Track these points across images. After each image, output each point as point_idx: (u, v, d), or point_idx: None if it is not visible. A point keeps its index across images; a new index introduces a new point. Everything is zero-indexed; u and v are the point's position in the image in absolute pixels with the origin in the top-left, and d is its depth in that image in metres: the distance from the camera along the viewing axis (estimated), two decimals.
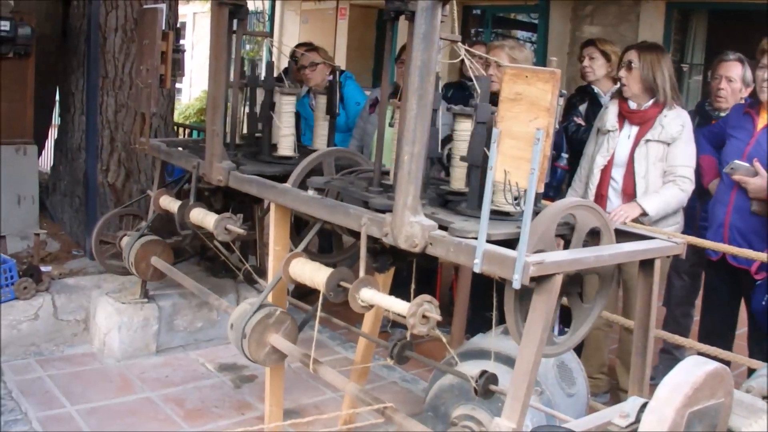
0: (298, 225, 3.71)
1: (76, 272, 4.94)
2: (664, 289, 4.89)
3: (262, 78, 4.03)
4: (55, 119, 6.65)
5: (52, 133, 6.70)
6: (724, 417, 2.05)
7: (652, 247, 2.61)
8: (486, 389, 2.56)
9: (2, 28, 4.85)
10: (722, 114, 4.50)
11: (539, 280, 2.19)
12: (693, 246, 3.68)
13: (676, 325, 4.69)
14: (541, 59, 8.56)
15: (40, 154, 5.92)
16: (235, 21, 3.89)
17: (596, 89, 4.91)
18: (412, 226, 2.44)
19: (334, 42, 11.20)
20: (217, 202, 4.12)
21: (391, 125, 3.24)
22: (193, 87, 16.16)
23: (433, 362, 3.05)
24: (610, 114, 4.25)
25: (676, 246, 2.65)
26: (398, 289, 3.07)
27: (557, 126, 2.25)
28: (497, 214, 2.53)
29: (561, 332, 4.13)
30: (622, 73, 4.17)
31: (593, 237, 2.51)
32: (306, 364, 2.98)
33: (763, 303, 3.77)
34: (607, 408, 2.55)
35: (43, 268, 4.64)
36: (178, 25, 6.61)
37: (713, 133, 4.36)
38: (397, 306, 2.52)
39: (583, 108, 4.86)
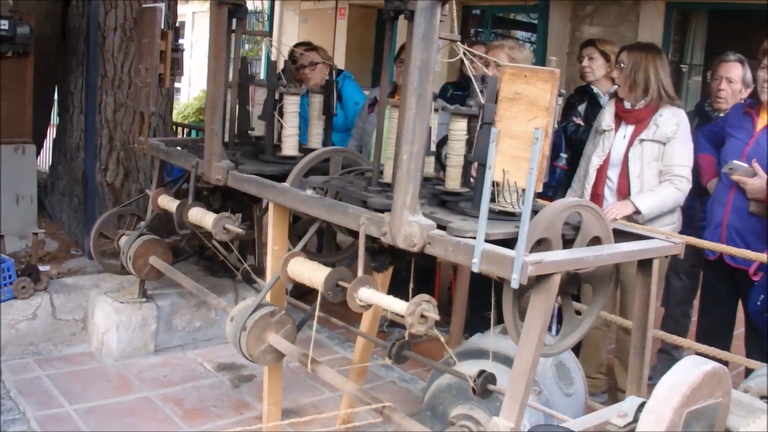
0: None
1: (74, 272, 4.93)
2: (662, 290, 4.90)
3: (261, 77, 4.02)
4: (54, 118, 6.64)
5: (51, 133, 6.69)
6: (722, 417, 2.05)
7: (650, 247, 2.61)
8: (484, 389, 2.56)
9: (1, 27, 4.84)
10: (722, 115, 4.51)
11: (538, 279, 2.19)
12: (692, 246, 3.68)
13: (674, 325, 4.69)
14: (541, 59, 8.56)
15: (38, 153, 5.92)
16: (234, 20, 3.90)
17: (595, 89, 4.91)
18: (410, 225, 2.44)
19: (333, 42, 11.17)
20: (215, 202, 4.11)
21: None
22: (192, 86, 16.16)
23: (431, 362, 3.05)
24: (606, 114, 4.28)
25: (674, 246, 2.65)
26: (397, 289, 3.07)
27: (556, 126, 2.24)
28: (503, 215, 2.53)
29: (559, 332, 4.13)
30: (615, 73, 4.20)
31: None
32: (304, 364, 2.97)
33: (758, 303, 3.77)
34: (605, 408, 2.55)
35: (41, 268, 4.63)
36: (177, 25, 6.62)
37: (713, 132, 4.36)
38: (396, 305, 2.52)
39: (582, 108, 4.86)
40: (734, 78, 4.52)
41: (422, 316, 2.44)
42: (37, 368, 4.26)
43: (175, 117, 10.43)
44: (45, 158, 7.29)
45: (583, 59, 5.00)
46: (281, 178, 3.38)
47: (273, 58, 4.11)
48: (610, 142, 4.19)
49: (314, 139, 3.96)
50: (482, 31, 10.66)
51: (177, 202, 3.95)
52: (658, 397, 1.89)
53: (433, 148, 3.02)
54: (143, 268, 4.34)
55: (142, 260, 4.31)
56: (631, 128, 4.13)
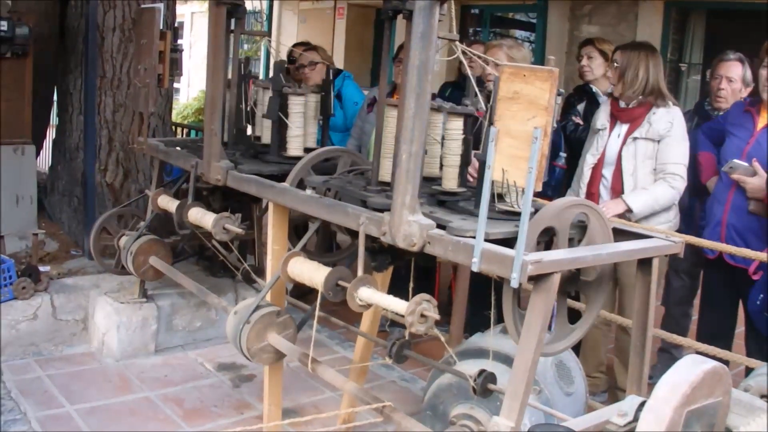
0: (297, 228, 3.72)
1: (74, 272, 4.94)
2: (662, 289, 4.90)
3: (264, 77, 4.02)
4: (53, 119, 6.65)
5: (51, 133, 6.70)
6: (722, 416, 2.05)
7: (650, 246, 2.61)
8: (484, 388, 2.56)
9: (0, 28, 4.85)
10: (721, 114, 4.50)
11: (537, 279, 2.20)
12: (692, 246, 3.67)
13: (674, 324, 4.68)
14: (540, 59, 8.56)
15: (38, 153, 5.91)
16: (233, 20, 3.90)
17: (594, 88, 4.91)
18: (410, 225, 2.44)
19: (332, 41, 11.21)
20: (215, 202, 4.11)
21: None
22: (191, 87, 16.16)
23: (431, 361, 3.05)
24: (602, 113, 4.30)
25: (674, 245, 2.65)
26: (397, 288, 3.07)
27: (555, 125, 2.24)
28: (508, 214, 2.53)
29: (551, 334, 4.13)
30: (610, 72, 4.21)
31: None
32: (305, 364, 2.98)
33: (758, 303, 3.77)
34: (606, 407, 2.55)
35: (41, 268, 4.63)
36: (176, 25, 6.62)
37: (713, 129, 4.35)
38: (396, 305, 2.52)
39: (581, 107, 4.86)
40: (734, 77, 4.52)
41: (422, 315, 2.44)
42: (38, 369, 4.26)
43: (175, 117, 10.44)
44: (44, 159, 7.29)
45: (582, 58, 5.00)
46: (281, 178, 3.38)
47: (272, 58, 4.10)
48: (605, 141, 4.20)
49: (310, 138, 3.95)
50: (481, 30, 10.66)
51: (177, 202, 3.95)
52: (659, 396, 1.89)
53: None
54: (143, 268, 4.33)
55: (142, 260, 4.31)
56: (625, 127, 4.14)
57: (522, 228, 2.13)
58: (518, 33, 11.52)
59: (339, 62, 10.04)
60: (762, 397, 2.27)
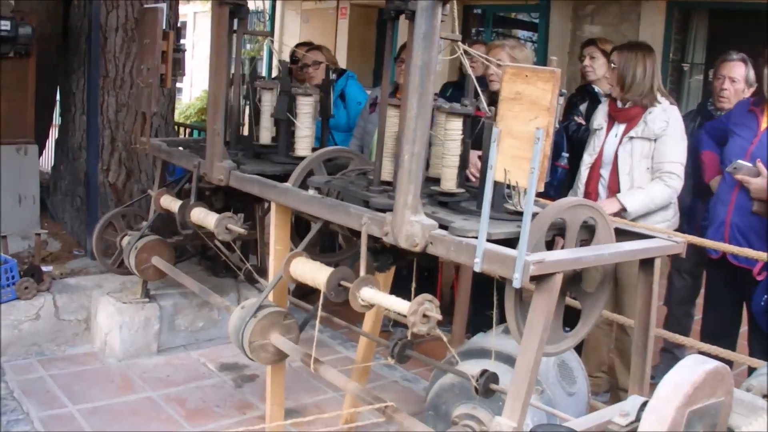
0: (299, 225, 3.72)
1: (77, 272, 4.94)
2: (665, 289, 4.89)
3: (267, 77, 4.02)
4: (56, 119, 6.66)
5: (53, 133, 6.70)
6: (725, 416, 2.05)
7: (652, 246, 2.61)
8: (487, 388, 2.56)
9: (3, 27, 4.85)
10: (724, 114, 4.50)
11: (539, 279, 2.20)
12: (694, 246, 3.67)
13: (676, 324, 4.68)
14: (542, 59, 8.56)
15: (40, 153, 5.93)
16: (235, 20, 3.90)
17: (597, 89, 4.91)
18: (412, 225, 2.44)
19: (335, 41, 11.21)
20: (218, 202, 4.12)
21: None
22: (194, 86, 16.18)
23: (433, 361, 3.06)
24: (599, 113, 4.32)
25: (676, 245, 2.65)
26: (399, 288, 3.07)
27: (557, 126, 2.25)
28: (516, 215, 2.53)
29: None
30: (608, 73, 4.21)
31: (593, 236, 2.51)
32: (307, 364, 2.98)
33: (762, 303, 3.76)
34: (608, 407, 2.55)
35: (44, 268, 4.64)
36: (179, 25, 6.62)
37: (716, 128, 4.34)
38: (398, 305, 2.53)
39: (583, 107, 4.86)
40: (737, 77, 4.51)
41: (424, 315, 2.44)
42: (41, 368, 4.27)
43: (177, 117, 10.44)
44: (47, 158, 7.30)
45: (585, 58, 5.01)
46: (283, 178, 3.38)
47: (275, 58, 4.11)
48: (601, 141, 4.22)
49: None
50: (483, 30, 10.66)
51: (179, 202, 3.96)
52: (661, 396, 1.90)
53: None
54: (146, 268, 4.34)
55: (145, 260, 4.31)
56: (622, 127, 4.15)
57: (524, 228, 2.13)
58: (521, 33, 11.53)
59: (341, 62, 10.03)
60: (764, 396, 2.27)
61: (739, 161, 3.83)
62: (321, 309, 2.94)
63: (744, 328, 4.29)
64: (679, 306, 4.82)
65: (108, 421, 3.76)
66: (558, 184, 4.76)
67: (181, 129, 9.09)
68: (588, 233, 2.51)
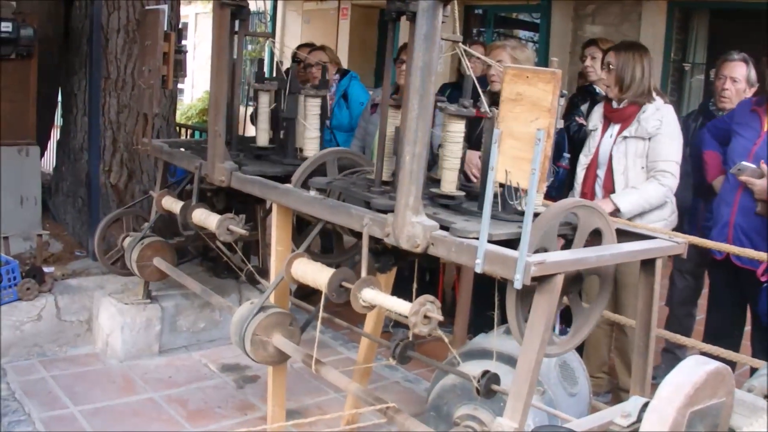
0: (300, 225, 3.72)
1: (78, 273, 4.94)
2: (666, 289, 4.89)
3: (269, 79, 4.02)
4: (58, 120, 6.66)
5: (55, 134, 6.71)
6: (726, 416, 2.05)
7: (653, 247, 2.61)
8: (488, 389, 2.56)
9: (4, 29, 4.86)
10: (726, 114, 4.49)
11: (541, 280, 2.20)
12: (696, 246, 3.67)
13: (678, 324, 4.68)
14: (543, 59, 8.57)
15: (42, 154, 5.93)
16: (236, 21, 3.90)
17: (598, 89, 4.91)
18: (413, 226, 2.44)
19: (336, 42, 11.22)
20: (219, 203, 4.12)
21: None
22: (195, 87, 16.18)
23: (435, 362, 3.06)
24: (595, 114, 4.33)
25: (677, 245, 2.65)
26: (400, 289, 3.07)
27: (557, 128, 2.25)
28: (521, 215, 2.53)
29: (563, 332, 4.13)
30: (603, 74, 4.21)
31: (594, 236, 2.51)
32: (308, 365, 2.98)
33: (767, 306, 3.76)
34: (609, 408, 2.55)
35: (46, 269, 4.64)
36: (180, 26, 6.62)
37: (718, 128, 4.33)
38: (399, 306, 2.53)
39: (585, 108, 4.86)
40: (738, 77, 4.50)
41: (426, 316, 2.44)
42: (42, 369, 4.27)
43: (179, 118, 10.43)
44: (49, 159, 7.30)
45: (586, 59, 5.01)
46: (284, 179, 3.38)
47: (276, 59, 4.11)
48: (596, 142, 4.23)
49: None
50: (484, 30, 10.66)
51: (181, 203, 3.96)
52: (662, 397, 1.90)
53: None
54: (147, 269, 4.34)
55: (147, 261, 4.32)
56: (617, 127, 4.16)
57: (525, 229, 2.13)
58: (522, 33, 11.54)
59: (343, 63, 10.04)
60: (765, 397, 2.27)
61: (743, 163, 3.82)
62: (322, 310, 2.94)
63: (747, 329, 4.29)
64: (680, 306, 4.81)
65: (109, 422, 3.77)
66: (559, 184, 4.76)
67: (183, 130, 9.09)
68: (590, 235, 2.51)
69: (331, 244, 4.36)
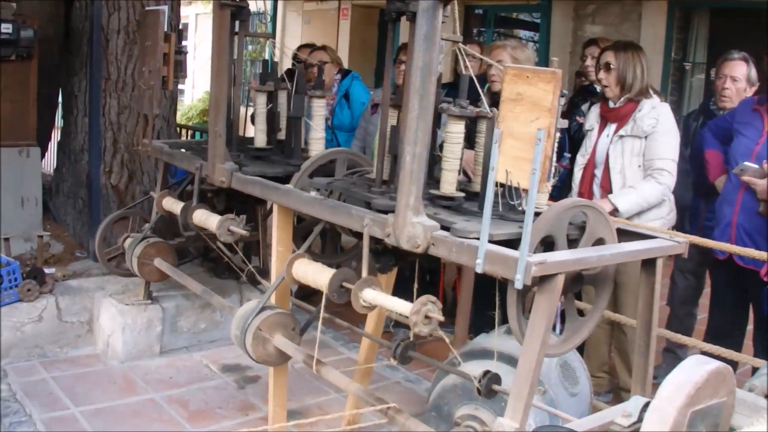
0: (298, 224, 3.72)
1: (79, 274, 4.95)
2: (667, 288, 4.89)
3: (277, 80, 4.03)
4: (58, 121, 6.67)
5: (55, 135, 6.71)
6: (727, 416, 2.05)
7: (654, 247, 2.61)
8: (489, 389, 2.56)
9: (4, 30, 4.86)
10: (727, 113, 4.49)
11: (541, 280, 2.20)
12: (697, 246, 3.66)
13: (679, 324, 4.68)
14: (544, 59, 8.56)
15: (43, 155, 5.94)
16: (237, 22, 3.90)
17: (598, 89, 4.91)
18: (414, 226, 2.44)
19: (336, 42, 11.22)
20: (220, 203, 4.12)
21: None
22: (196, 88, 16.20)
23: (436, 362, 3.06)
24: (592, 114, 4.34)
25: (678, 245, 2.65)
26: (401, 290, 3.07)
27: (558, 129, 2.24)
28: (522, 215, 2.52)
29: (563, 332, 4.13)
30: (602, 75, 4.20)
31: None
32: (309, 365, 2.98)
33: None
34: (610, 407, 2.55)
35: (46, 270, 4.64)
36: (181, 27, 6.63)
37: (719, 127, 4.32)
38: (400, 306, 2.53)
39: (585, 107, 4.86)
40: (738, 76, 4.50)
41: (427, 316, 2.44)
42: (43, 370, 4.27)
43: (179, 119, 10.44)
44: (49, 161, 7.31)
45: (586, 58, 5.01)
46: (285, 179, 3.38)
47: (276, 59, 4.11)
48: (593, 142, 4.24)
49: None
50: (485, 30, 10.66)
51: (181, 204, 3.96)
52: (663, 397, 1.90)
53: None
54: (148, 270, 4.34)
55: (147, 262, 4.32)
56: (613, 126, 4.16)
57: (526, 229, 2.13)
58: (522, 33, 11.54)
59: (343, 63, 10.05)
60: (766, 396, 2.27)
61: (746, 163, 3.82)
62: (323, 310, 2.94)
63: (749, 328, 4.29)
64: (681, 306, 4.81)
65: (110, 422, 3.77)
66: (560, 184, 4.76)
67: (183, 131, 9.09)
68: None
69: (334, 245, 4.38)
